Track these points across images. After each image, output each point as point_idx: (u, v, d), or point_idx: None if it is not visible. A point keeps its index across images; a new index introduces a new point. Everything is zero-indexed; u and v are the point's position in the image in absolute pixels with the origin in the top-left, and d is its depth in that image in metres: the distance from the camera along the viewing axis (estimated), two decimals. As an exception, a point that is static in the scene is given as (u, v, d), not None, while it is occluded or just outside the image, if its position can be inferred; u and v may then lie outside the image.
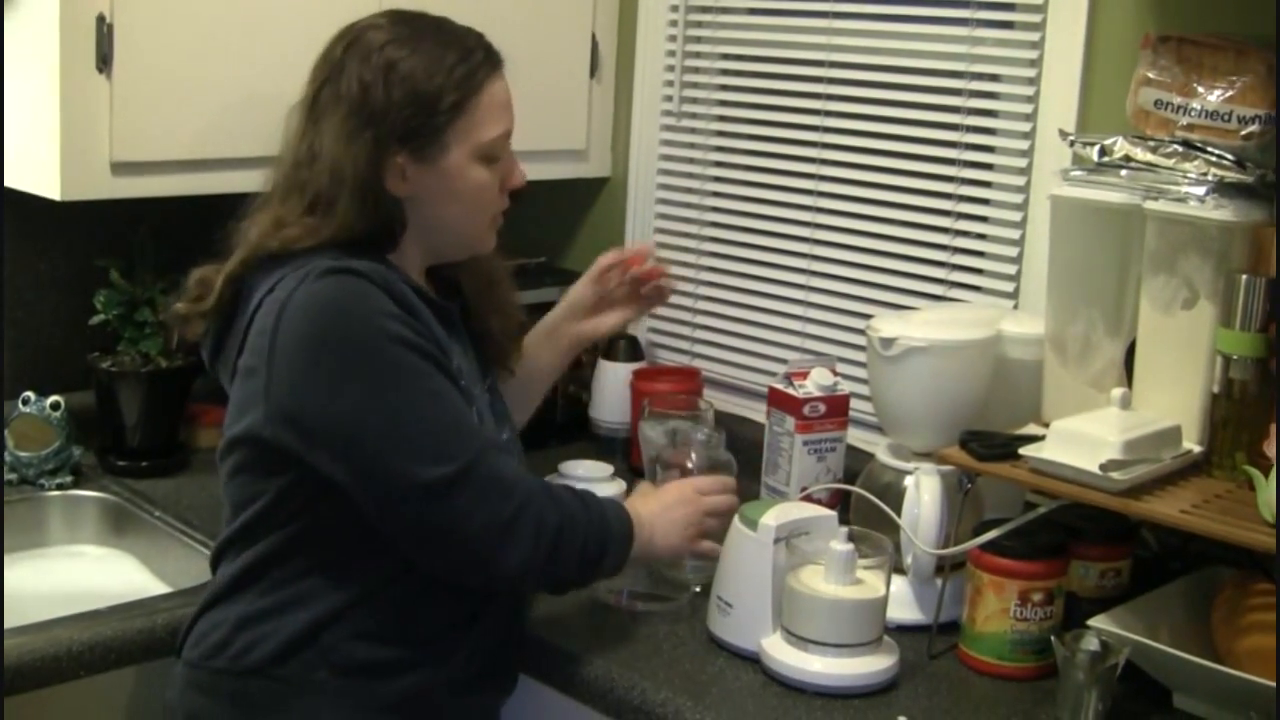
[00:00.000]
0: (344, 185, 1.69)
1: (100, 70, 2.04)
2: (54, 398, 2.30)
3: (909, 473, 1.94)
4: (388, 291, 1.65)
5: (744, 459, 2.34)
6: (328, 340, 1.62)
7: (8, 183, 2.13)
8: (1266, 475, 1.65)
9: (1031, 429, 1.87)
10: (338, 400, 1.61)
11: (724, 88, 2.60)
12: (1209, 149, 1.79)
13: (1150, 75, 1.88)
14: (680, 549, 1.87)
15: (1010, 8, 2.19)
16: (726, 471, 2.00)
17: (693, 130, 2.64)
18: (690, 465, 2.03)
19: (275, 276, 1.67)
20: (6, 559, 2.15)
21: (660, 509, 1.84)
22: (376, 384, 1.61)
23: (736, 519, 1.87)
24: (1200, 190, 1.76)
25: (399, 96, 1.70)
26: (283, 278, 1.66)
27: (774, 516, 1.83)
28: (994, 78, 2.24)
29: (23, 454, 2.27)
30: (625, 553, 1.77)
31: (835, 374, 2.20)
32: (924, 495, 1.88)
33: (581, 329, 2.06)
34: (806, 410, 2.15)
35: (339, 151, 1.69)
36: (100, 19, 2.02)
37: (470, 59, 1.73)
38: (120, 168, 2.09)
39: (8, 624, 1.78)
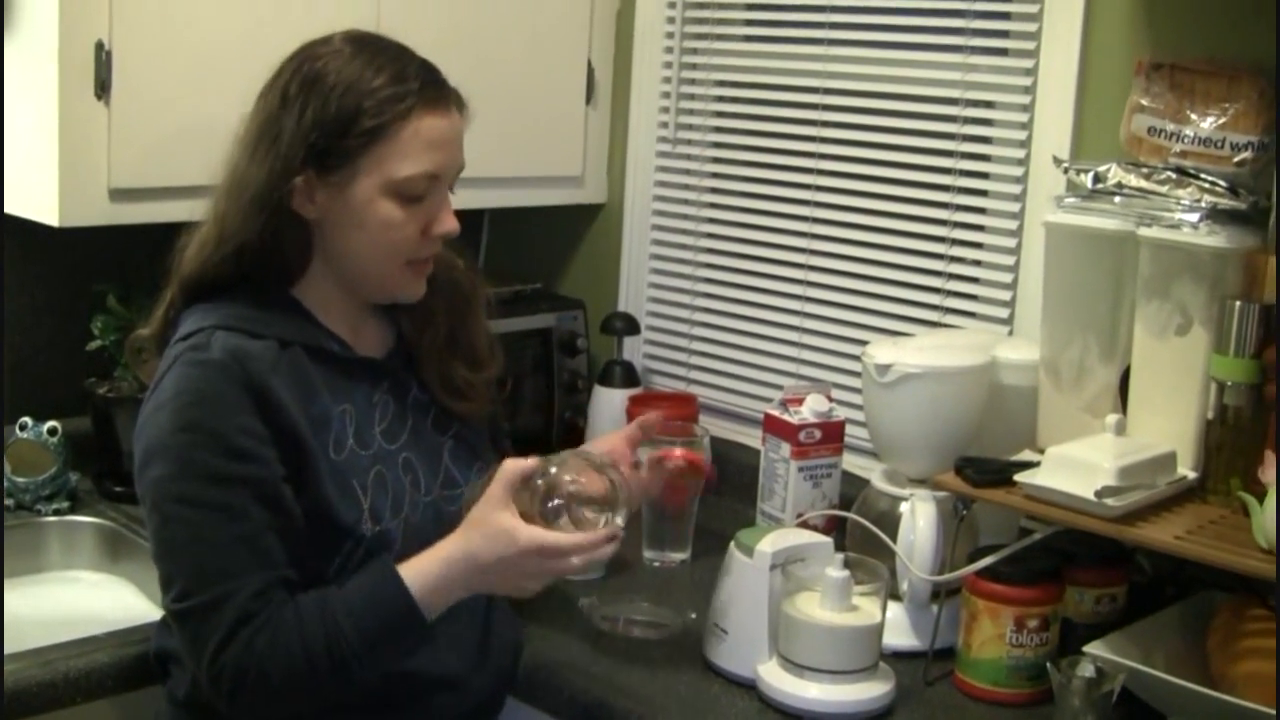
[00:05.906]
0: (241, 198, 1.66)
1: (99, 97, 2.04)
2: (51, 423, 2.29)
3: (904, 499, 1.95)
4: (242, 376, 1.60)
5: (740, 485, 2.36)
6: (151, 447, 1.61)
7: (6, 209, 2.14)
8: (1261, 501, 1.65)
9: (1027, 455, 1.88)
10: (142, 483, 1.63)
11: (720, 114, 2.61)
12: (1202, 175, 1.80)
13: (1143, 102, 1.89)
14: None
15: (1005, 35, 2.21)
16: (603, 504, 1.66)
17: (688, 156, 2.65)
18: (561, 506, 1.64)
19: (186, 324, 1.67)
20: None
21: (498, 561, 1.58)
22: (172, 490, 1.60)
23: (733, 545, 1.86)
24: (1194, 217, 1.77)
25: (313, 112, 1.62)
26: (180, 337, 1.66)
27: (770, 543, 1.83)
28: (988, 104, 2.25)
29: (20, 479, 2.26)
30: (394, 640, 1.58)
31: (830, 400, 2.20)
32: (919, 521, 1.88)
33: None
34: (802, 436, 2.15)
35: (243, 163, 1.67)
36: (99, 46, 2.03)
37: (401, 86, 1.63)
38: (118, 194, 2.09)
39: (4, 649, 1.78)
